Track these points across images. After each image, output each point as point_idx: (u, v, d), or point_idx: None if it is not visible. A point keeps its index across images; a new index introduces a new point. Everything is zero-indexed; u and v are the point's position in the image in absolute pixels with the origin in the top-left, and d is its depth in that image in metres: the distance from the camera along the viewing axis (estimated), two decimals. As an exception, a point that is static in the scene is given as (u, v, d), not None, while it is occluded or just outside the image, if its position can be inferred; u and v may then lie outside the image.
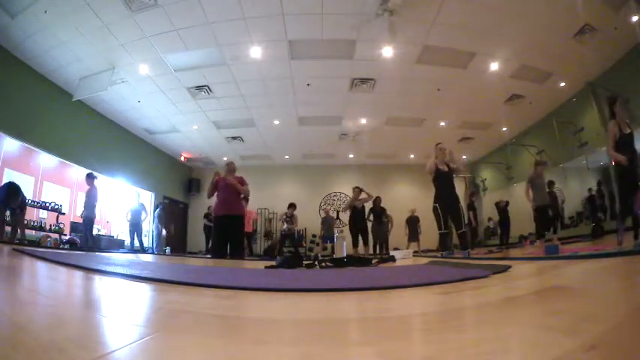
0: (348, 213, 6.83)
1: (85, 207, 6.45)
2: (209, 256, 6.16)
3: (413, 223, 8.60)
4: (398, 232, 8.82)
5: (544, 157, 8.27)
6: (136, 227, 7.87)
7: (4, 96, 5.83)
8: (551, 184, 6.46)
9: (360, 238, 6.55)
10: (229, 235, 4.24)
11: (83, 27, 5.33)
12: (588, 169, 7.68)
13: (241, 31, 5.57)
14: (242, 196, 4.46)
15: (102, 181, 9.07)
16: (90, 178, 6.44)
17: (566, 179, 8.29)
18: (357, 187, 6.71)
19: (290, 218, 7.47)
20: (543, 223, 5.58)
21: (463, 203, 5.92)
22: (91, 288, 1.08)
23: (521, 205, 9.04)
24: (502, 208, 8.49)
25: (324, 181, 12.35)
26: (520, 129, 9.60)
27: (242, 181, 4.39)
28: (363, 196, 6.66)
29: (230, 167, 4.48)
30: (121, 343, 0.45)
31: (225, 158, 11.38)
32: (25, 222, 6.59)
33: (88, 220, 6.43)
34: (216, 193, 4.40)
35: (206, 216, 8.66)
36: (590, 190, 7.51)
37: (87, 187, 6.46)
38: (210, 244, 7.15)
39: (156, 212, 9.04)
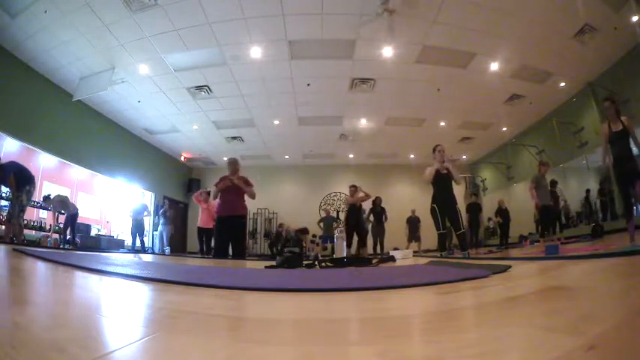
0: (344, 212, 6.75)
1: (64, 210, 6.74)
2: (209, 257, 6.16)
3: (413, 223, 8.60)
4: (399, 233, 8.82)
5: (544, 157, 8.27)
6: (138, 227, 7.87)
7: (4, 96, 5.83)
8: (553, 183, 6.46)
9: (356, 238, 6.46)
10: (232, 235, 4.23)
11: (83, 27, 5.33)
12: (588, 169, 7.68)
13: (241, 31, 5.57)
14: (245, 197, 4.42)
15: (102, 180, 9.09)
16: (46, 200, 6.72)
17: (566, 179, 8.29)
18: (352, 186, 6.59)
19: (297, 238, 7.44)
20: (546, 223, 5.57)
21: (462, 205, 5.90)
22: (91, 288, 1.08)
23: (521, 205, 9.04)
24: (503, 210, 8.49)
25: (324, 181, 12.34)
26: (520, 129, 9.60)
27: (247, 182, 4.35)
28: (360, 194, 6.53)
29: (233, 167, 4.39)
30: (121, 343, 0.45)
31: (225, 158, 11.37)
32: (25, 222, 6.60)
33: (70, 218, 6.68)
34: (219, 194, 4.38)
35: None
36: (587, 191, 7.54)
37: (56, 197, 6.69)
38: (203, 247, 7.18)
39: (161, 212, 8.90)
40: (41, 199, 7.27)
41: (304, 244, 7.50)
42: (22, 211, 5.01)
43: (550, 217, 5.61)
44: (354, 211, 6.47)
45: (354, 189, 6.53)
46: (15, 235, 5.05)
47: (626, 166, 3.42)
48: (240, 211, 4.33)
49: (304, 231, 7.74)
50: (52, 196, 6.68)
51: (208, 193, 6.91)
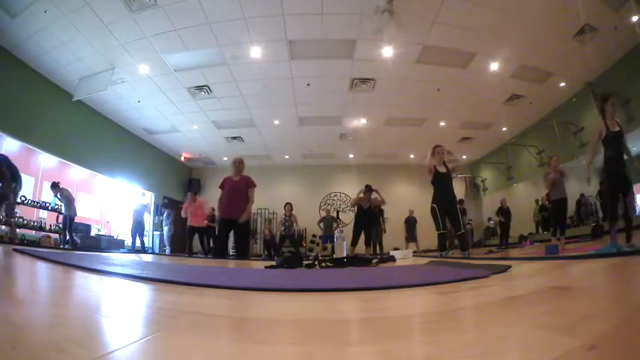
0: (352, 212, 6.60)
1: (65, 208, 6.65)
2: (209, 256, 6.15)
3: (411, 223, 8.59)
4: (399, 233, 8.82)
5: (544, 157, 8.28)
6: (138, 227, 7.87)
7: (4, 96, 5.83)
8: None
9: (362, 238, 6.40)
10: (234, 236, 4.25)
11: (83, 27, 5.34)
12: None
13: (241, 31, 5.57)
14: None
15: (102, 180, 9.09)
16: (54, 187, 6.52)
17: (567, 179, 8.29)
18: (368, 187, 6.28)
19: (289, 218, 7.39)
20: (559, 218, 5.34)
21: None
22: (91, 288, 1.08)
23: (521, 205, 9.03)
24: (504, 209, 8.48)
25: (324, 181, 12.34)
26: (520, 129, 9.60)
27: (250, 183, 4.38)
28: (375, 196, 6.32)
29: (237, 167, 4.40)
30: (121, 343, 0.45)
31: (225, 158, 11.38)
32: (25, 222, 6.60)
33: (69, 219, 6.60)
34: (221, 194, 4.40)
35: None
36: (582, 195, 7.56)
37: (65, 191, 6.61)
38: (192, 246, 7.22)
39: (165, 214, 8.87)
40: (41, 199, 7.28)
41: (294, 221, 7.36)
42: (13, 208, 4.93)
43: (564, 211, 5.43)
44: (363, 212, 6.29)
45: (369, 194, 6.26)
46: (11, 235, 5.06)
47: (620, 169, 3.33)
48: (243, 212, 4.33)
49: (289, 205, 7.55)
50: (61, 185, 6.60)
51: (194, 194, 7.26)
